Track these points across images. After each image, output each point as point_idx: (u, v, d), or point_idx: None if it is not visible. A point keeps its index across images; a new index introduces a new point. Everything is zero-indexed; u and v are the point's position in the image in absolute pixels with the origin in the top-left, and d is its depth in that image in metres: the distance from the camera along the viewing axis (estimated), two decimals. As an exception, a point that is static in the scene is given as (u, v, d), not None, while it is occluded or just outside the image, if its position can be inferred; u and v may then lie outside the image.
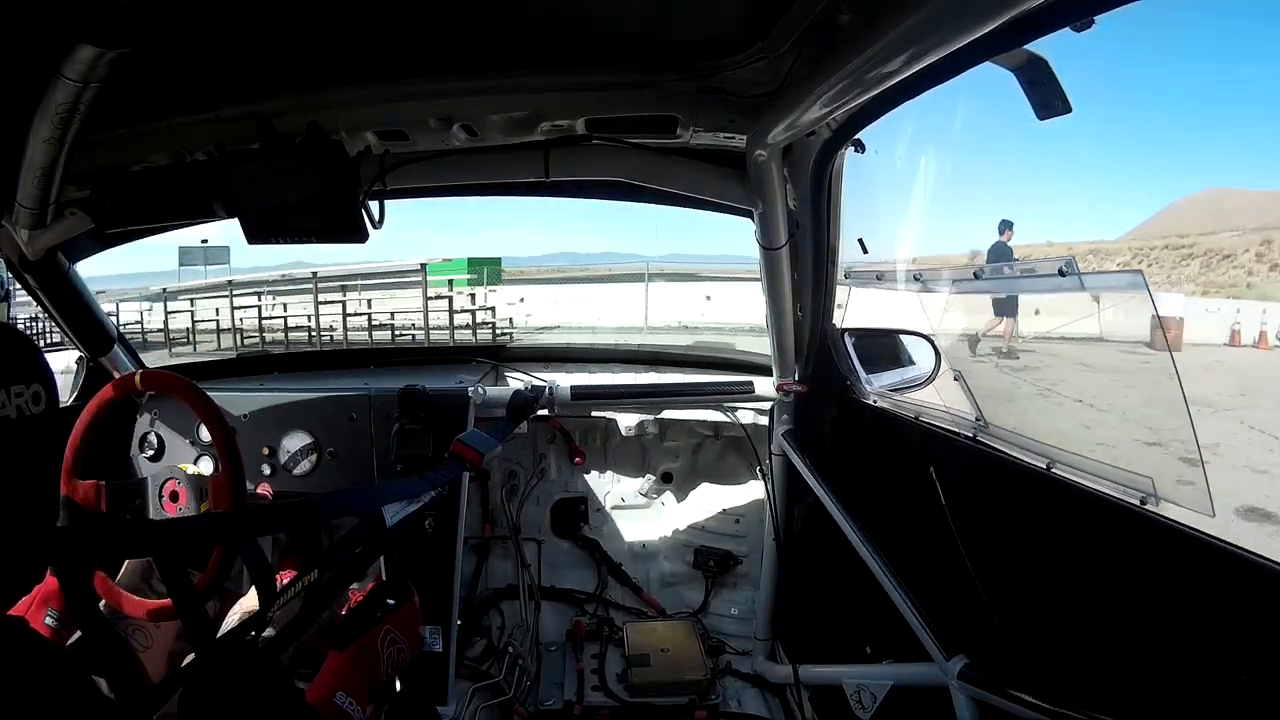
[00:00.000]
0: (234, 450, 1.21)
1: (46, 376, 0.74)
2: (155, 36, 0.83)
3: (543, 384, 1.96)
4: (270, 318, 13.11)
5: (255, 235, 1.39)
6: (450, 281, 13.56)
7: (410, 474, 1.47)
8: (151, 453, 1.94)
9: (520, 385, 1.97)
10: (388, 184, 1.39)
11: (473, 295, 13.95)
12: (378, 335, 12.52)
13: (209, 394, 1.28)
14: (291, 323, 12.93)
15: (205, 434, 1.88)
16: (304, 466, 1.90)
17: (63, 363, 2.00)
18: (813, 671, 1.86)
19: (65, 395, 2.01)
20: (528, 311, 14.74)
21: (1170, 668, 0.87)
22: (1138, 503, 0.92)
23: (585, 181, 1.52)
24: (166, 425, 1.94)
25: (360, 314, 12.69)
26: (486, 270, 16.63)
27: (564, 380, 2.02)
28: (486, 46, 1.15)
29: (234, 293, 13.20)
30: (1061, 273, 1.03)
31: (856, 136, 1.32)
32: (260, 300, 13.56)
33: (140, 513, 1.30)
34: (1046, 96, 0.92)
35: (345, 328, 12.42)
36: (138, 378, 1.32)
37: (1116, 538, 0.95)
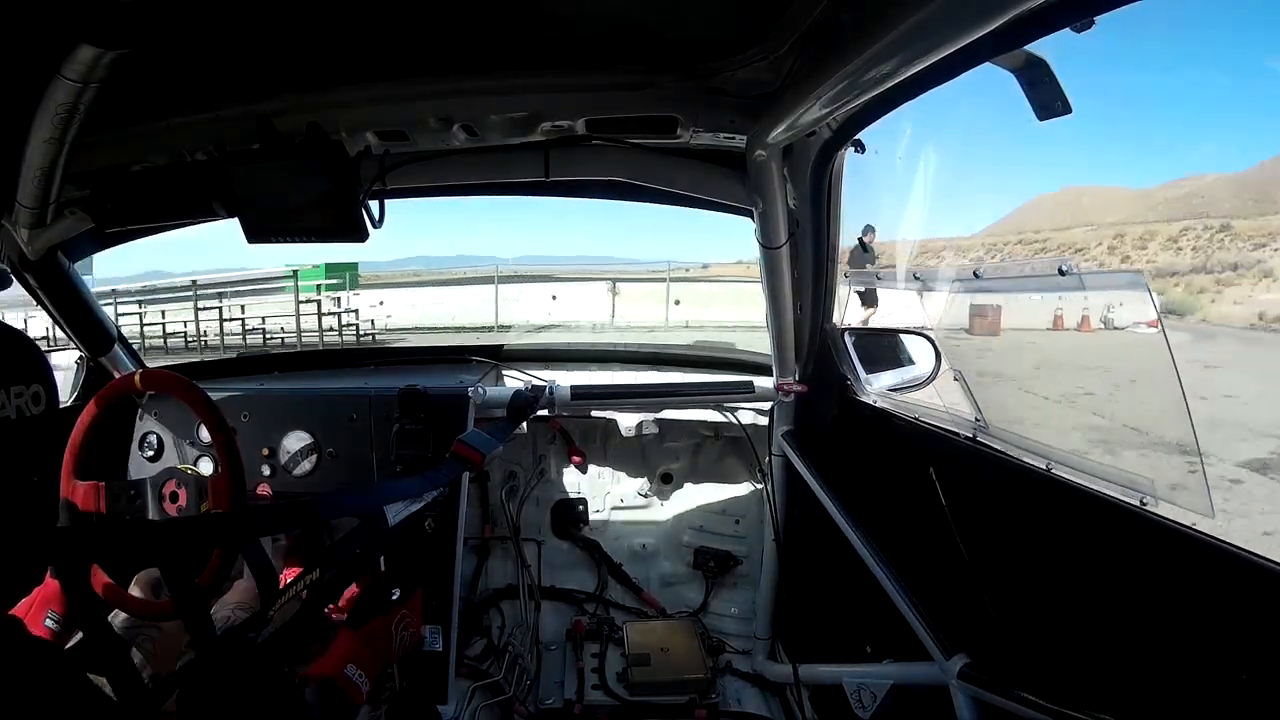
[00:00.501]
0: (234, 450, 1.21)
1: (46, 377, 0.74)
2: (155, 36, 0.83)
3: (543, 384, 1.96)
4: (150, 324, 13.81)
5: (255, 235, 1.39)
6: (319, 286, 14.55)
7: (410, 474, 1.47)
8: (151, 453, 1.94)
9: (520, 385, 1.97)
10: (388, 184, 1.39)
11: (337, 299, 14.93)
12: (251, 340, 13.61)
13: (209, 394, 1.28)
14: (170, 329, 13.74)
15: (205, 434, 1.88)
16: (304, 467, 1.90)
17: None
18: (813, 671, 1.86)
19: (65, 395, 2.01)
20: (388, 313, 15.25)
21: (1170, 667, 0.87)
22: (1137, 503, 0.92)
23: (585, 181, 1.52)
24: (166, 425, 1.94)
25: (234, 319, 13.75)
26: (348, 276, 16.85)
27: (564, 380, 2.02)
28: (487, 46, 1.15)
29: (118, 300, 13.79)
30: (1061, 272, 1.03)
31: (856, 136, 1.32)
32: (141, 308, 14.26)
33: (140, 513, 1.30)
34: (1046, 97, 0.92)
35: (221, 332, 13.42)
36: (138, 378, 1.32)
37: (1116, 537, 0.95)
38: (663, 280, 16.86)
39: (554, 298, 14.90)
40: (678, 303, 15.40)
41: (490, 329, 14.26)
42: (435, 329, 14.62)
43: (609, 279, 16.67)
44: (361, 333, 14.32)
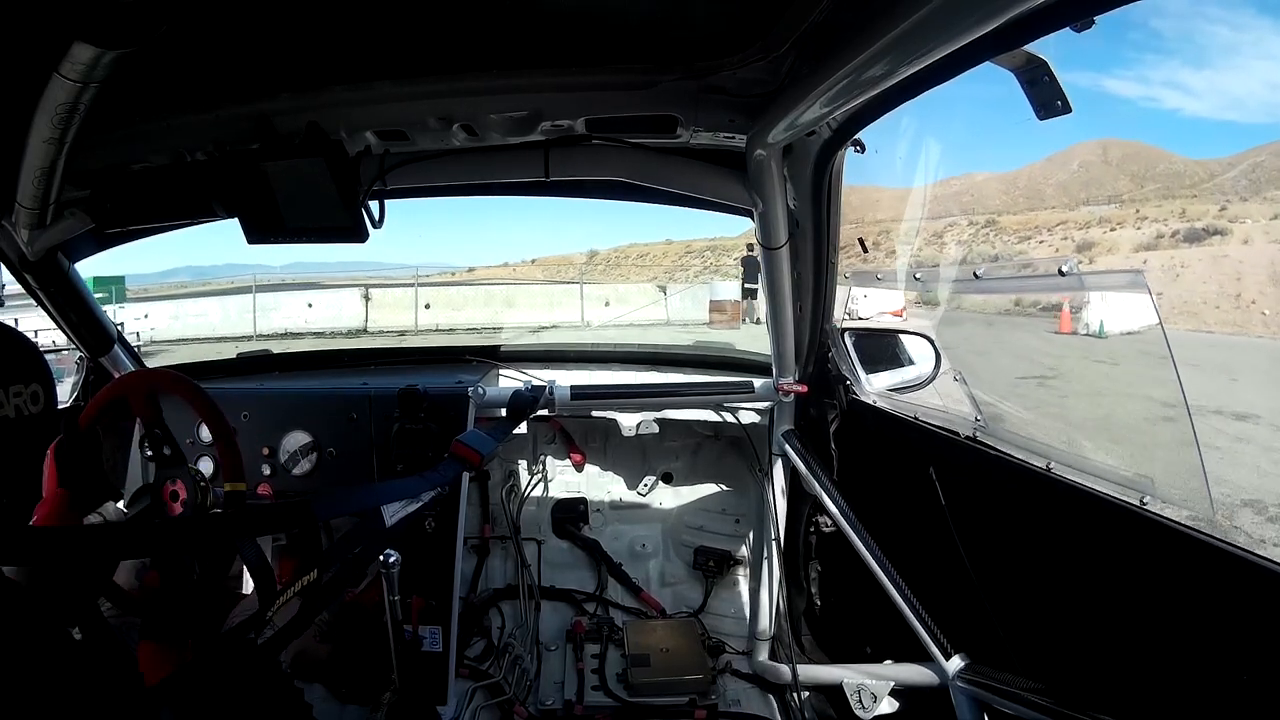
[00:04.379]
0: (234, 450, 1.21)
1: (45, 376, 0.74)
2: (155, 36, 0.83)
3: (543, 384, 1.96)
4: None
5: (255, 235, 1.39)
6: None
7: (410, 474, 1.47)
8: (151, 453, 1.94)
9: (520, 385, 1.97)
10: (388, 184, 1.39)
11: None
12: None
13: (209, 394, 1.28)
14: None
15: (205, 434, 1.88)
16: (304, 466, 1.90)
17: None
18: (813, 671, 1.86)
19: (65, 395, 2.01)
20: (152, 326, 15.23)
21: (1170, 667, 0.87)
22: (1137, 503, 0.92)
23: (585, 181, 1.52)
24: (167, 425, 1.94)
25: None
26: (114, 289, 16.07)
27: (564, 380, 2.02)
28: (486, 46, 1.14)
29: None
30: (1061, 273, 1.03)
31: (856, 136, 1.32)
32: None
33: (140, 513, 1.30)
34: (1046, 96, 0.92)
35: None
36: (140, 378, 1.32)
37: (1116, 537, 0.95)
38: (430, 284, 17.69)
39: (310, 305, 15.47)
40: (428, 306, 16.03)
41: (249, 338, 14.39)
42: (200, 339, 14.78)
43: (363, 285, 17.06)
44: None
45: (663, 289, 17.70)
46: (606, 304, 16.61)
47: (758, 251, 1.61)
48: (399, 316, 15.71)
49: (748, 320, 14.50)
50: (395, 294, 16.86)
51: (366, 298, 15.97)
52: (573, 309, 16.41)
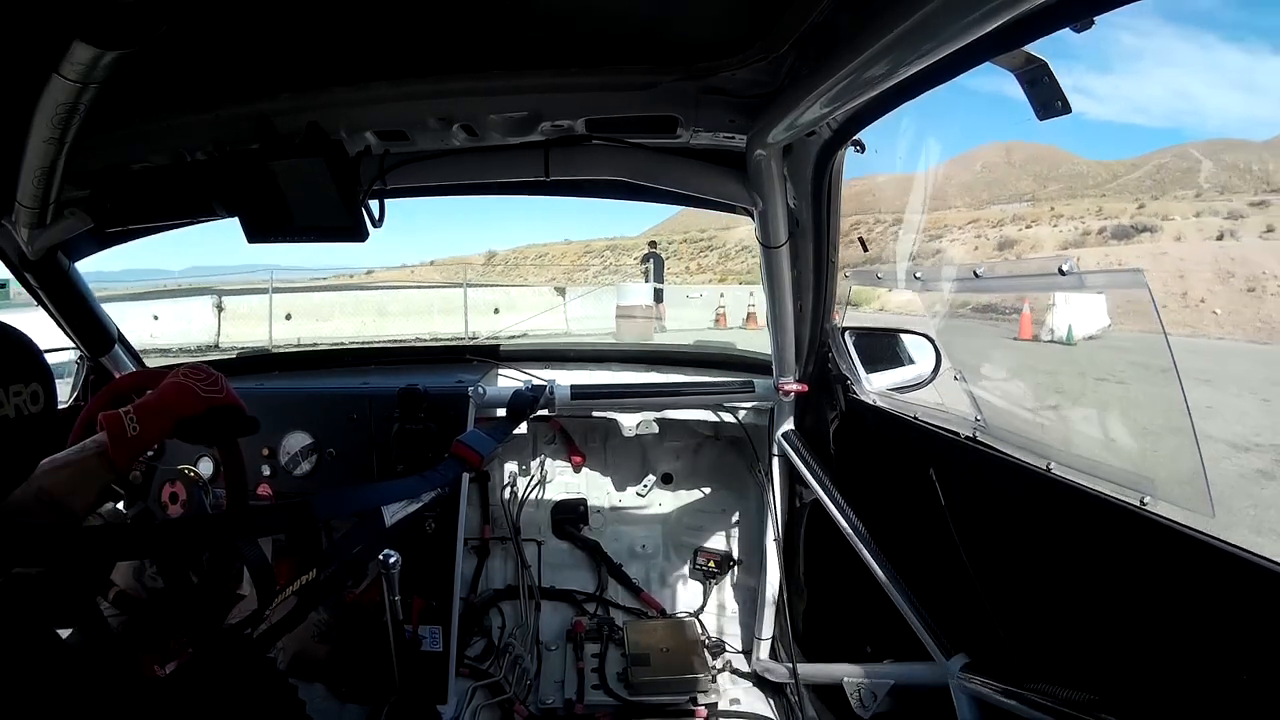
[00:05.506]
0: (235, 450, 1.21)
1: (45, 376, 0.74)
2: (155, 37, 0.83)
3: (543, 384, 1.96)
4: None
5: (255, 235, 1.39)
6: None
7: (410, 474, 1.47)
8: (151, 453, 1.94)
9: (520, 385, 1.97)
10: (388, 184, 1.39)
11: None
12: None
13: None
14: None
15: None
16: (304, 467, 1.90)
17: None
18: (813, 671, 1.86)
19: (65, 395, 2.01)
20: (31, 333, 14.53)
21: (1170, 667, 0.87)
22: (1137, 503, 0.92)
23: (585, 181, 1.52)
24: None
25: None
26: None
27: (564, 380, 2.02)
28: (486, 46, 1.14)
29: None
30: (1061, 272, 1.03)
31: (856, 136, 1.32)
32: None
33: (141, 513, 1.30)
34: (1046, 97, 0.92)
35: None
36: (140, 378, 1.32)
37: (1115, 537, 0.95)
38: (290, 290, 14.85)
39: (156, 318, 13.00)
40: (289, 317, 13.29)
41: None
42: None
43: (216, 292, 14.21)
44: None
45: (561, 292, 14.70)
46: (496, 311, 13.51)
47: (759, 252, 1.61)
48: (254, 329, 12.76)
49: (660, 326, 12.03)
50: (252, 303, 13.79)
51: (220, 308, 13.26)
52: (455, 319, 13.10)
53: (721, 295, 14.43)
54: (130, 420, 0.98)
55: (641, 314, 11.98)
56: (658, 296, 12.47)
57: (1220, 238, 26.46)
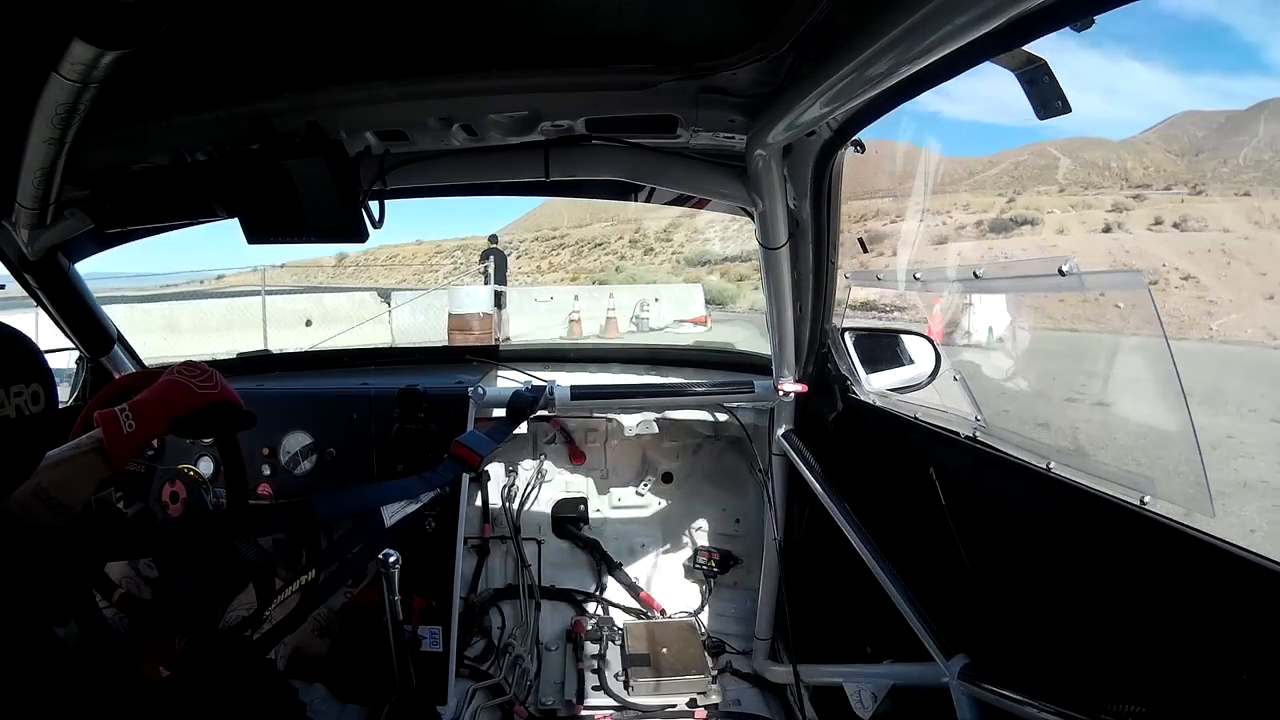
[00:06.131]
0: (235, 450, 1.21)
1: (46, 376, 0.74)
2: (155, 36, 0.83)
3: (543, 384, 1.96)
4: None
5: (255, 235, 1.39)
6: None
7: (410, 474, 1.48)
8: (151, 453, 1.94)
9: (520, 385, 1.97)
10: (388, 184, 1.39)
11: None
12: None
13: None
14: None
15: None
16: (304, 467, 1.90)
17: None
18: (813, 671, 1.86)
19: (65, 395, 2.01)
20: None
21: (1170, 667, 0.87)
22: (1137, 502, 0.92)
23: (585, 181, 1.52)
24: None
25: None
26: None
27: (564, 380, 2.02)
28: (486, 46, 1.15)
29: None
30: (1061, 272, 1.03)
31: (856, 136, 1.32)
32: None
33: (141, 512, 1.30)
34: (1047, 96, 0.92)
35: None
36: (140, 378, 1.32)
37: (1116, 537, 0.95)
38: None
39: None
40: None
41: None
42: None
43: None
44: None
45: (385, 298, 12.08)
46: (308, 323, 11.11)
47: (759, 252, 1.61)
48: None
49: (499, 336, 10.01)
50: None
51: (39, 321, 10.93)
52: (258, 334, 10.64)
53: (575, 298, 11.68)
54: (126, 417, 0.98)
55: (477, 323, 10.11)
56: (499, 301, 10.58)
57: (1107, 230, 26.76)
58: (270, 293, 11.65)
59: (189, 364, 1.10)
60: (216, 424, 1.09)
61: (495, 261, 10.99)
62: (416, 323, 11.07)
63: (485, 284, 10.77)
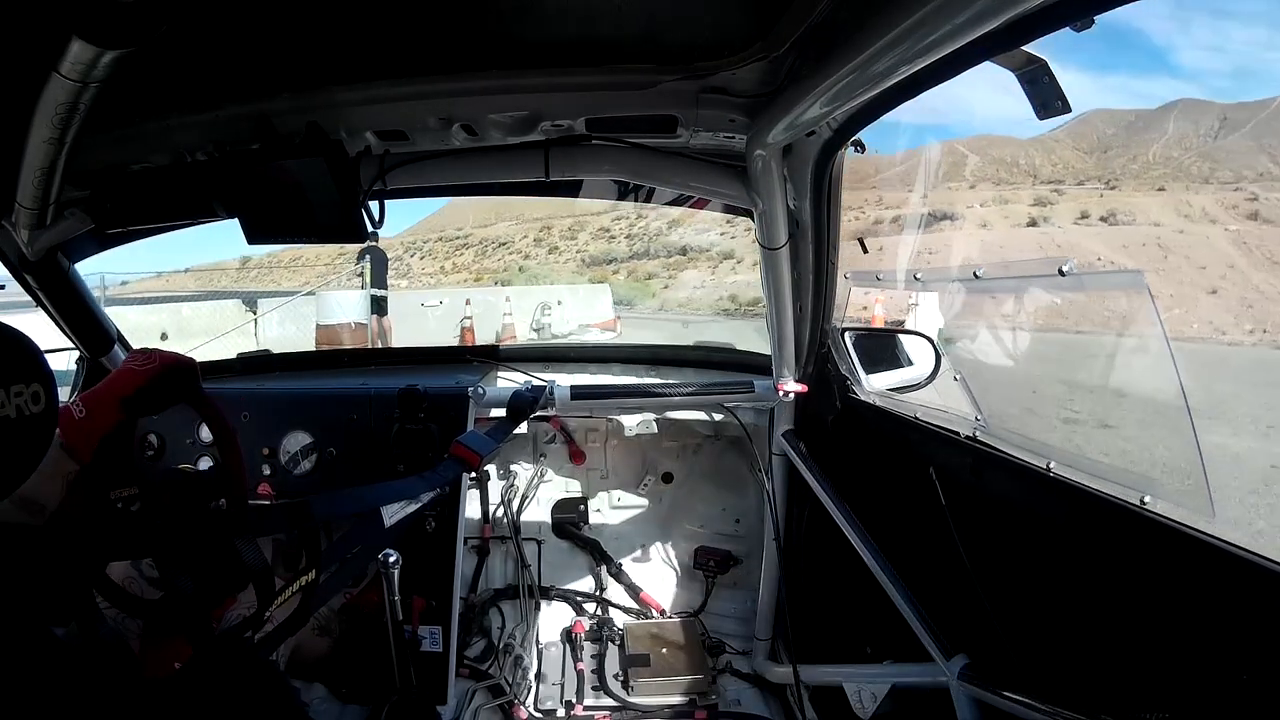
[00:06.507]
0: (235, 449, 1.21)
1: (46, 376, 0.74)
2: (155, 36, 0.83)
3: (543, 384, 1.96)
4: None
5: (255, 235, 1.39)
6: None
7: (411, 474, 1.48)
8: (151, 453, 1.94)
9: (520, 385, 1.97)
10: (388, 184, 1.39)
11: None
12: None
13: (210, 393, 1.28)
14: None
15: (205, 434, 1.88)
16: (304, 467, 1.90)
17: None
18: (813, 671, 1.86)
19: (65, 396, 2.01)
20: None
21: (1170, 667, 0.87)
22: (1137, 502, 0.92)
23: (584, 181, 1.52)
24: (166, 425, 1.94)
25: None
26: None
27: (564, 380, 2.02)
28: (487, 46, 1.14)
29: None
30: (1061, 273, 1.03)
31: (856, 136, 1.32)
32: None
33: (141, 513, 1.30)
34: (1046, 96, 0.92)
35: None
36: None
37: (1116, 537, 0.95)
38: None
39: None
40: None
41: None
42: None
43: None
44: None
45: (251, 307, 10.66)
46: (163, 337, 9.48)
47: (759, 253, 1.61)
48: None
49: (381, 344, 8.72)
50: None
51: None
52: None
53: (467, 303, 10.11)
54: (78, 407, 1.03)
55: (349, 335, 8.99)
56: (379, 307, 9.32)
57: (1033, 224, 26.94)
58: (122, 304, 10.54)
59: (136, 350, 1.17)
60: (165, 394, 1.14)
61: (372, 263, 9.46)
62: (286, 334, 9.35)
63: (363, 288, 9.48)
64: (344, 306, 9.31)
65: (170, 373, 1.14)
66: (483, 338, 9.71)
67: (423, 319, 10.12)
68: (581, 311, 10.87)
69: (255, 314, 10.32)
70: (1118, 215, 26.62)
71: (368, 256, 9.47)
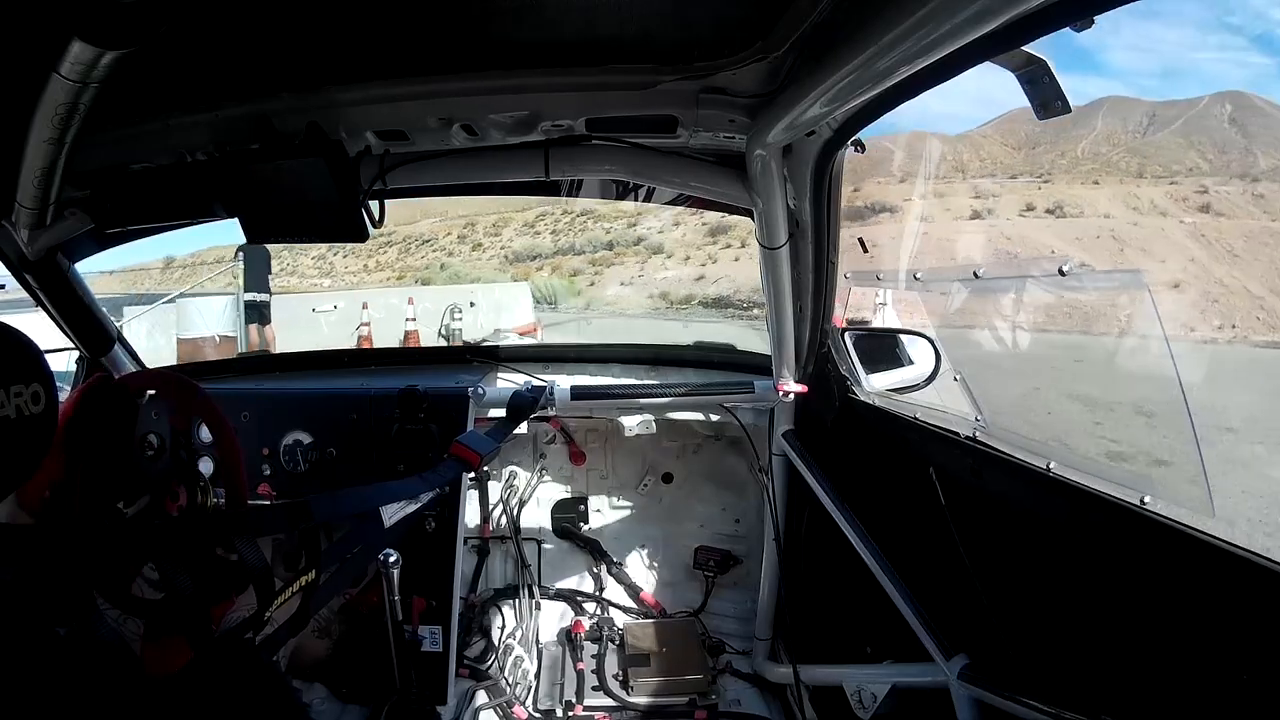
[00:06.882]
0: (235, 450, 1.21)
1: (46, 377, 0.74)
2: (155, 36, 0.83)
3: (543, 384, 1.96)
4: None
5: (255, 235, 1.40)
6: None
7: (410, 474, 1.48)
8: (151, 453, 1.94)
9: (520, 385, 1.97)
10: (388, 184, 1.39)
11: None
12: None
13: (209, 394, 1.28)
14: None
15: (205, 434, 1.88)
16: (304, 467, 1.90)
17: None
18: (813, 671, 1.86)
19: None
20: None
21: (1170, 667, 0.87)
22: (1137, 502, 0.92)
23: (584, 180, 1.52)
24: (166, 426, 1.94)
25: None
26: None
27: (564, 380, 2.02)
28: (487, 47, 1.15)
29: None
30: (1061, 273, 1.03)
31: (856, 136, 1.32)
32: None
33: (141, 513, 1.30)
34: (1046, 96, 0.92)
35: None
36: (140, 378, 1.32)
37: (1116, 537, 0.95)
38: None
39: None
40: None
41: None
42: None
43: None
44: None
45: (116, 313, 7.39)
46: None
47: (759, 253, 1.61)
48: None
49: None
50: None
51: None
52: None
53: (365, 307, 9.01)
54: None
55: (214, 350, 7.68)
56: (259, 315, 7.88)
57: (977, 216, 26.87)
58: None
59: None
60: (96, 417, 1.08)
61: (247, 262, 7.80)
62: (154, 345, 7.54)
63: (242, 293, 7.90)
64: (205, 317, 7.86)
65: (90, 395, 1.08)
66: (382, 342, 8.66)
67: (314, 326, 8.76)
68: (497, 314, 9.73)
69: (120, 322, 8.51)
70: (1065, 208, 26.45)
71: (240, 255, 7.95)
